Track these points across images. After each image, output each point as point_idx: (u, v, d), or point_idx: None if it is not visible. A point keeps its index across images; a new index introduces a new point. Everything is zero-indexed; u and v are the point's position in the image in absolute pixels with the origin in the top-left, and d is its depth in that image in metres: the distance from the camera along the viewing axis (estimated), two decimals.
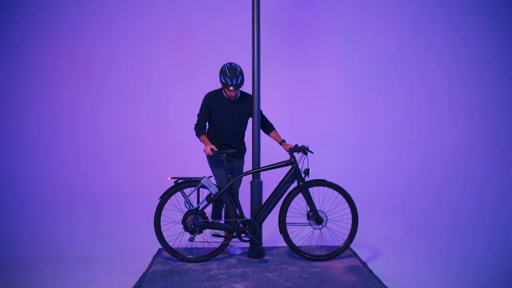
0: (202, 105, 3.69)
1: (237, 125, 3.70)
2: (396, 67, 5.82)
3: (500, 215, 4.94)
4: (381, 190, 5.49)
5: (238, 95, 3.69)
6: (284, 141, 3.75)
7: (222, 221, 3.72)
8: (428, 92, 5.84)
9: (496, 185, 5.52)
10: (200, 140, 3.64)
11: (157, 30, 5.78)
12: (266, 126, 3.84)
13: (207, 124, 3.75)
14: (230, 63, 3.59)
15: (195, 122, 3.70)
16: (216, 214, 3.74)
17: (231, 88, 3.49)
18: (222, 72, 3.54)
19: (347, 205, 3.63)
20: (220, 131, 3.67)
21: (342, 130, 5.81)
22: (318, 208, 3.69)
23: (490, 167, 5.68)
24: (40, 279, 3.28)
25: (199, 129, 3.67)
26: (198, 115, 3.70)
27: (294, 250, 3.57)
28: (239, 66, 3.60)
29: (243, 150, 3.82)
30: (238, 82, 3.51)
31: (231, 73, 3.49)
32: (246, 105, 3.73)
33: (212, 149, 3.51)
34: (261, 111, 3.84)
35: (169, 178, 3.55)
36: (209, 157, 3.69)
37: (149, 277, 3.26)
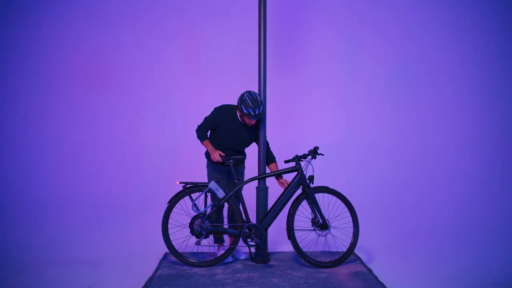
0: (212, 115, 3.66)
1: (240, 146, 3.74)
2: (400, 73, 5.85)
3: (502, 218, 4.96)
4: (386, 195, 5.50)
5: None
6: (281, 176, 3.75)
7: (226, 225, 3.75)
8: (432, 96, 5.88)
9: (497, 188, 5.54)
10: (203, 145, 3.68)
11: (165, 34, 5.83)
12: (268, 157, 3.83)
13: (209, 131, 3.78)
14: (249, 92, 3.53)
15: (199, 124, 3.72)
16: (217, 218, 3.77)
17: (252, 118, 3.49)
18: (243, 102, 3.48)
19: (349, 212, 3.68)
20: (224, 144, 3.68)
21: (347, 136, 5.84)
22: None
23: (491, 170, 5.70)
24: (47, 282, 3.30)
25: (202, 134, 3.69)
26: (205, 119, 3.70)
27: (301, 256, 3.59)
28: (259, 95, 3.58)
29: (244, 156, 3.86)
30: (260, 112, 3.49)
31: (253, 103, 3.46)
32: (254, 130, 3.73)
33: (220, 155, 3.55)
34: (267, 142, 3.83)
35: (178, 183, 3.59)
36: (210, 163, 3.72)
37: (156, 281, 3.29)
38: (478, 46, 5.83)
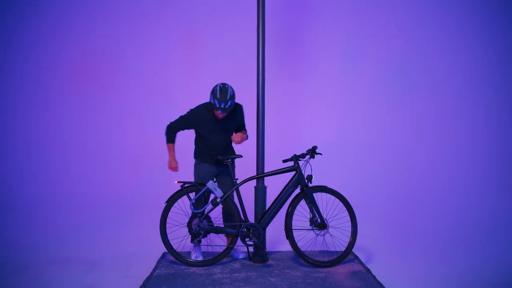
0: (188, 115, 3.55)
1: (227, 139, 3.66)
2: (398, 73, 5.86)
3: (500, 217, 4.96)
4: (384, 195, 5.51)
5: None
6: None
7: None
8: (433, 99, 5.89)
9: (495, 186, 5.55)
10: (167, 146, 3.62)
11: (163, 33, 5.84)
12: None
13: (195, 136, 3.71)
14: (224, 84, 3.42)
15: (172, 121, 3.58)
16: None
17: (219, 111, 3.40)
18: (213, 93, 3.38)
19: (347, 211, 3.68)
20: (212, 144, 3.61)
21: (345, 136, 5.84)
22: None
23: (489, 169, 5.71)
24: (45, 282, 3.30)
25: (170, 135, 3.60)
26: (181, 117, 3.56)
27: (300, 256, 3.59)
28: (232, 89, 3.43)
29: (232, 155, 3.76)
30: (226, 107, 3.36)
31: (221, 95, 3.35)
32: (233, 117, 3.62)
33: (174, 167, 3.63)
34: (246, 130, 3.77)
35: (176, 182, 3.59)
36: (199, 162, 3.66)
37: (153, 280, 3.29)
38: (476, 46, 5.84)
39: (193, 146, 3.77)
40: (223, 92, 3.37)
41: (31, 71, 5.84)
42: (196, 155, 3.73)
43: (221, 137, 3.62)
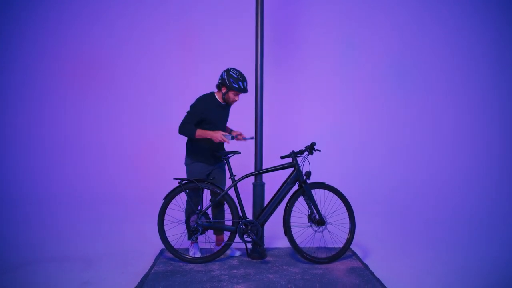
0: (196, 108, 3.50)
1: (223, 127, 3.71)
2: (398, 71, 5.86)
3: (499, 216, 4.98)
4: (382, 192, 5.53)
5: None
6: (231, 130, 3.82)
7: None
8: (429, 94, 5.89)
9: (493, 183, 5.57)
10: (197, 135, 3.44)
11: (161, 32, 5.82)
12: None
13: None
14: (234, 68, 3.55)
15: (182, 121, 3.49)
16: (218, 215, 3.76)
17: (242, 93, 3.51)
18: (231, 76, 3.47)
19: (345, 208, 3.68)
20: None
21: (343, 132, 5.84)
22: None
23: (487, 165, 5.73)
24: (43, 279, 3.29)
25: (190, 128, 3.45)
26: (191, 113, 3.50)
27: (298, 252, 3.58)
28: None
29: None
30: (247, 86, 3.54)
31: (242, 77, 3.50)
32: (228, 110, 3.72)
33: (224, 135, 3.45)
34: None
35: (174, 179, 3.57)
36: (194, 161, 3.60)
37: (151, 277, 3.27)
38: (474, 45, 5.84)
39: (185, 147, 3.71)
40: (241, 74, 3.51)
41: (30, 71, 5.80)
42: (191, 153, 3.62)
43: (224, 125, 3.71)
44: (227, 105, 3.66)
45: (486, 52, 5.82)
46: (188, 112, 3.56)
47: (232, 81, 3.47)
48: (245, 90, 3.53)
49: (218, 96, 3.59)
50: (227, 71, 3.53)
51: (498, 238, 4.32)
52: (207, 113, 3.52)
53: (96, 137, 5.81)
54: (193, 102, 3.61)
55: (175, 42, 5.81)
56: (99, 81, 5.82)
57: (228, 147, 4.77)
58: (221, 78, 3.53)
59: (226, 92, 3.53)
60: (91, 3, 5.77)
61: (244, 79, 3.51)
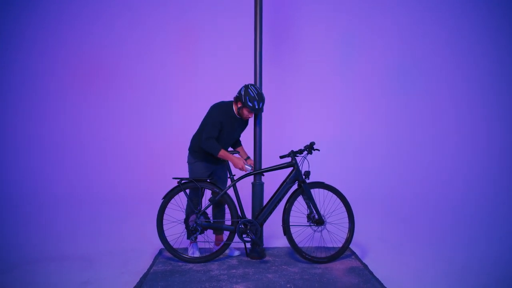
0: (214, 118, 3.48)
1: (233, 141, 3.70)
2: (398, 71, 5.85)
3: (499, 216, 4.97)
4: (382, 191, 5.52)
5: None
6: (248, 157, 3.78)
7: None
8: (429, 94, 5.88)
9: (497, 185, 5.55)
10: (220, 156, 3.44)
11: (161, 32, 5.81)
12: (237, 142, 3.85)
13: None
14: (254, 85, 3.51)
15: (206, 134, 3.44)
16: (218, 214, 3.77)
17: (255, 112, 3.51)
18: (248, 94, 3.43)
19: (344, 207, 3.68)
20: (222, 143, 3.58)
21: (342, 132, 5.83)
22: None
23: (488, 165, 5.72)
24: (42, 278, 3.29)
25: (215, 144, 3.44)
26: (213, 124, 3.46)
27: (297, 252, 3.58)
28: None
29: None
30: (261, 107, 3.50)
31: (258, 97, 3.45)
32: (244, 123, 3.71)
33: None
34: None
35: (173, 178, 3.57)
36: (196, 160, 3.61)
37: (150, 277, 3.28)
38: (474, 45, 5.83)
39: (187, 144, 3.72)
40: (258, 93, 3.47)
41: (30, 71, 5.80)
42: (195, 153, 3.62)
43: (238, 134, 3.71)
44: (241, 119, 3.61)
45: (486, 52, 5.81)
46: (209, 122, 3.50)
47: (248, 99, 3.43)
48: (259, 111, 3.49)
49: (234, 108, 3.57)
50: (246, 87, 3.48)
51: (498, 238, 4.31)
52: (225, 123, 3.52)
53: (96, 137, 5.81)
54: (210, 109, 3.59)
55: (175, 42, 5.81)
56: (99, 81, 5.82)
57: None
58: (239, 92, 3.49)
59: (241, 108, 3.51)
60: (91, 3, 5.77)
61: (261, 100, 3.45)
